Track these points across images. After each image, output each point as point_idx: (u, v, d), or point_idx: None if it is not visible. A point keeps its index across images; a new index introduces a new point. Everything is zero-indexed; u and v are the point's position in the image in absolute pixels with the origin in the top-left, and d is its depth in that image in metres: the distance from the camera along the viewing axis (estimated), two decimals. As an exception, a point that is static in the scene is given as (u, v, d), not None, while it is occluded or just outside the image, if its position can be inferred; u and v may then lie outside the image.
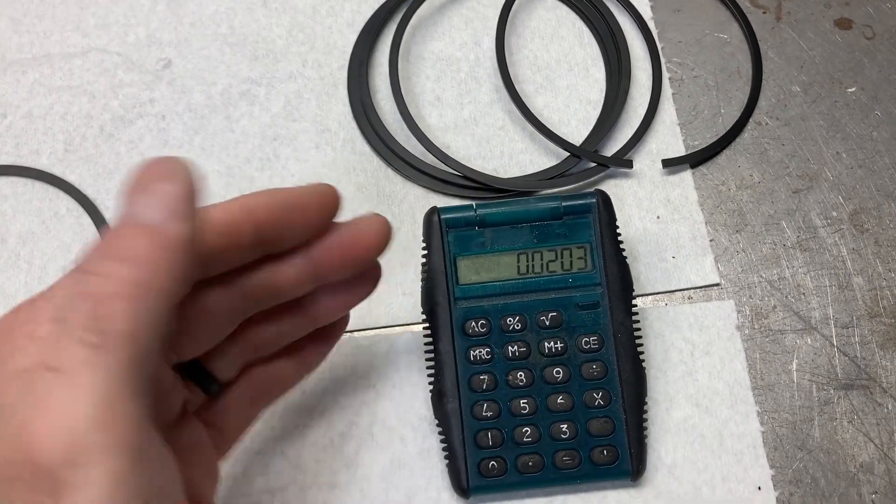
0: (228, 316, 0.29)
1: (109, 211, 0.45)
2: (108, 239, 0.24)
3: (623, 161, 0.44)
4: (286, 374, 0.33)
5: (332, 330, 0.34)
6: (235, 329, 0.30)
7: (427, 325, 0.38)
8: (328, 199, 0.29)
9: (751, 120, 0.46)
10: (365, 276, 0.32)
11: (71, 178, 0.45)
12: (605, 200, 0.39)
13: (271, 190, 0.28)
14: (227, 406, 0.31)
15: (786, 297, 0.42)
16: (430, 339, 0.38)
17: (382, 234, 0.31)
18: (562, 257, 0.38)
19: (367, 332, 0.42)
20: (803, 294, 0.42)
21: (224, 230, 0.27)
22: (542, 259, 0.38)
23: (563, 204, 0.38)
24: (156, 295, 0.23)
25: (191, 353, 0.29)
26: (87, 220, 0.44)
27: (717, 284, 0.42)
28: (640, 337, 0.38)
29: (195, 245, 0.24)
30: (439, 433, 0.38)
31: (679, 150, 0.45)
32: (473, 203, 0.39)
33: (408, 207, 0.44)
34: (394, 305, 0.42)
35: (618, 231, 0.38)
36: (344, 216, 0.43)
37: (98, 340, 0.21)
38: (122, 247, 0.23)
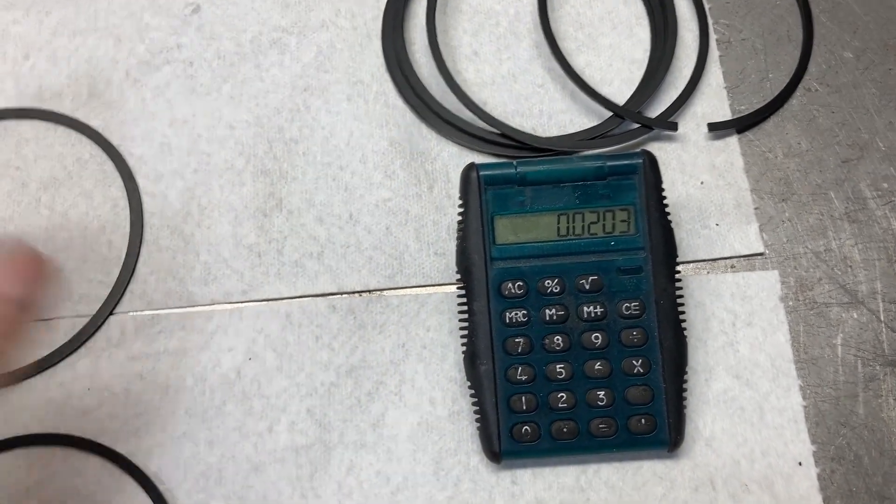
0: None
1: (133, 158, 0.43)
2: None
3: (668, 123, 0.42)
4: None
5: None
6: None
7: (461, 285, 0.37)
8: None
9: (800, 86, 0.44)
10: None
11: (94, 123, 0.44)
12: (652, 161, 0.37)
13: None
14: None
15: (832, 269, 0.40)
16: (465, 300, 0.37)
17: None
18: (604, 219, 0.37)
19: (397, 291, 0.40)
20: (850, 267, 0.40)
21: None
22: (583, 220, 0.37)
23: (608, 164, 0.37)
24: None
25: None
26: (110, 166, 0.43)
27: (761, 254, 0.41)
28: (682, 304, 0.37)
29: None
30: (471, 396, 0.36)
31: (725, 115, 0.43)
32: (514, 160, 0.37)
33: (441, 165, 0.43)
34: (425, 265, 0.41)
35: (663, 194, 0.37)
36: (377, 172, 0.42)
37: None
38: None
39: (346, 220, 0.42)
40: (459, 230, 0.37)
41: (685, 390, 0.36)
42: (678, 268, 0.37)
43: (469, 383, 0.37)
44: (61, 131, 0.44)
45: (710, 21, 0.45)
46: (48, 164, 0.43)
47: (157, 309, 0.40)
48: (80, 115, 0.44)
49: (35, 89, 0.45)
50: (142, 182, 0.43)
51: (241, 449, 0.38)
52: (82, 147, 0.44)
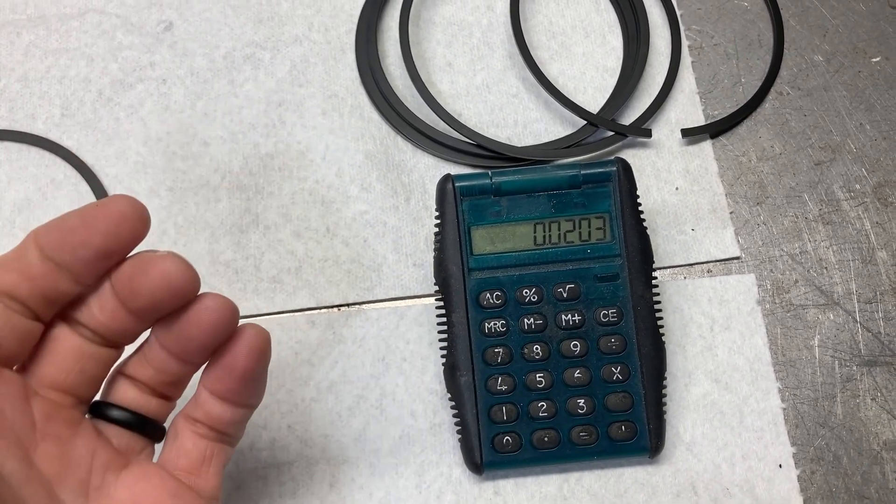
0: (88, 346, 0.28)
1: (108, 178, 0.43)
2: None
3: (641, 130, 0.42)
4: (215, 413, 0.29)
5: (244, 354, 0.28)
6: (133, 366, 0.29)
7: (440, 296, 0.37)
8: (117, 215, 0.26)
9: (772, 90, 0.45)
10: (200, 316, 0.27)
11: (68, 143, 0.44)
12: (626, 168, 0.37)
13: (65, 214, 0.26)
14: (182, 449, 0.30)
15: (808, 271, 0.41)
16: (443, 311, 0.37)
17: (175, 271, 0.26)
18: (580, 227, 0.37)
19: (376, 304, 0.40)
20: (825, 268, 0.41)
21: (12, 264, 0.26)
22: (559, 229, 0.37)
23: (582, 172, 0.37)
24: None
25: (82, 390, 0.28)
26: (84, 187, 0.43)
27: (737, 258, 0.41)
28: (659, 310, 0.37)
29: None
30: (452, 407, 0.36)
31: (698, 120, 0.44)
32: (489, 171, 0.37)
33: (418, 177, 0.43)
34: (404, 277, 0.41)
35: (638, 200, 0.37)
36: (354, 185, 0.42)
37: None
38: None
39: (324, 233, 0.42)
40: (436, 242, 0.37)
41: (665, 396, 0.36)
42: (655, 273, 0.37)
43: (449, 395, 0.36)
44: (34, 152, 0.44)
45: (682, 27, 0.46)
46: (22, 186, 0.43)
47: (135, 328, 0.40)
48: (54, 136, 0.44)
49: (7, 111, 0.44)
50: (117, 201, 0.42)
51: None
52: (56, 168, 0.43)
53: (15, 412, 0.26)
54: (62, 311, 0.27)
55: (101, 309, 0.27)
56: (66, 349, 0.27)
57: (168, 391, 0.30)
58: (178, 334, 0.27)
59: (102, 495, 0.27)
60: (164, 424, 0.30)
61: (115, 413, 0.29)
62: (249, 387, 0.29)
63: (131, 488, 0.28)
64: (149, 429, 0.29)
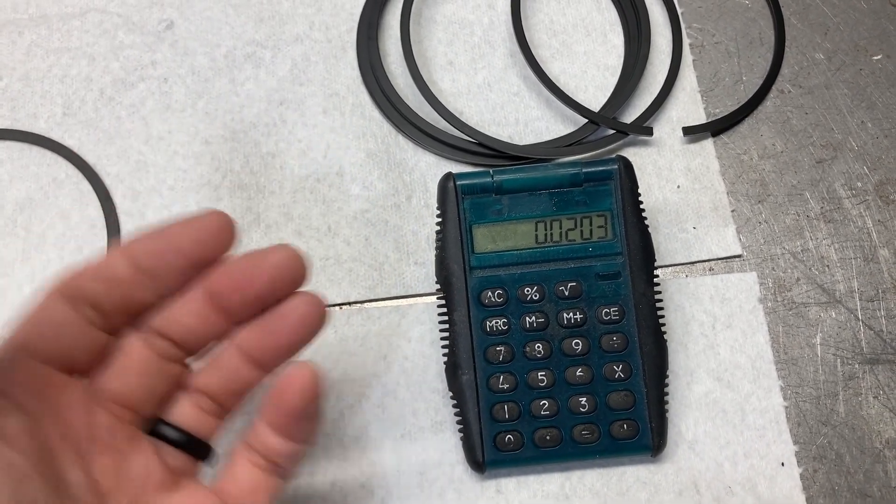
0: (158, 361, 0.28)
1: (110, 177, 0.43)
2: None
3: (643, 128, 0.42)
4: (270, 444, 0.29)
5: (296, 392, 0.28)
6: (190, 382, 0.29)
7: (441, 295, 0.37)
8: (210, 227, 0.27)
9: (773, 88, 0.45)
10: (290, 313, 0.28)
11: (70, 142, 0.44)
12: (627, 166, 0.37)
13: (155, 226, 0.27)
14: (235, 475, 0.29)
15: (809, 269, 0.41)
16: (445, 310, 0.37)
17: (286, 261, 0.27)
18: (581, 226, 0.37)
19: (377, 302, 0.40)
20: (827, 266, 0.41)
21: (100, 272, 0.26)
22: (560, 227, 0.37)
23: (584, 170, 0.37)
24: None
25: (144, 406, 0.28)
26: (86, 186, 0.43)
27: (738, 256, 0.41)
28: (661, 308, 0.37)
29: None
30: (453, 406, 0.36)
31: (700, 118, 0.44)
32: (490, 169, 0.37)
33: (419, 175, 0.43)
34: (405, 275, 0.41)
35: (640, 198, 0.37)
36: (355, 183, 0.42)
37: None
38: None
39: (325, 232, 0.42)
40: (438, 240, 0.37)
41: (667, 394, 0.36)
42: (657, 272, 0.37)
43: (451, 393, 0.36)
44: (36, 151, 0.44)
45: (683, 26, 0.46)
46: (24, 185, 0.43)
47: (137, 327, 0.40)
48: (55, 135, 0.44)
49: (9, 110, 0.44)
50: (119, 201, 0.42)
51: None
52: (58, 167, 0.43)
53: (79, 422, 0.26)
54: (137, 320, 0.28)
55: (187, 312, 0.27)
56: (135, 364, 0.27)
57: (228, 402, 0.29)
58: (264, 331, 0.28)
59: None
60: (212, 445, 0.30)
61: (170, 432, 0.29)
62: (300, 423, 0.29)
63: None
64: (200, 450, 0.29)
